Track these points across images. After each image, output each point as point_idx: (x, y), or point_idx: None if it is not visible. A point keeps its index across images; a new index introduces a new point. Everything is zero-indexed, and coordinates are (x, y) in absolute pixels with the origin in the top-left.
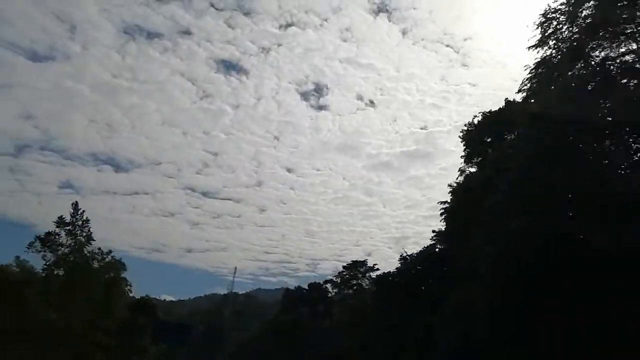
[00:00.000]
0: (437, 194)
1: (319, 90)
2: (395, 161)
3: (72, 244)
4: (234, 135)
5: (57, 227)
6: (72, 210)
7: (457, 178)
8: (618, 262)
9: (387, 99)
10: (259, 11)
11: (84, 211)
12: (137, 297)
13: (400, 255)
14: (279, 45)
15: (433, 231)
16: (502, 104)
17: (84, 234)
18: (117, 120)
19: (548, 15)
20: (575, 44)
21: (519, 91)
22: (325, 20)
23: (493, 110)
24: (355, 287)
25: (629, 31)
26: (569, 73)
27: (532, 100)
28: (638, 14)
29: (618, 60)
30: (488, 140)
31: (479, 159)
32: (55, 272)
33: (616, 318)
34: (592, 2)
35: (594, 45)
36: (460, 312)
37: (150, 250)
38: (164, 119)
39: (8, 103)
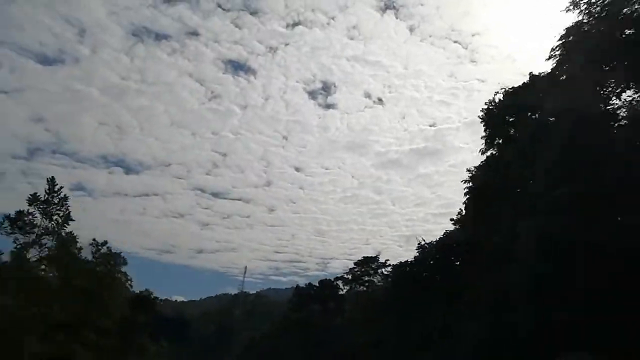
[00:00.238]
0: (446, 191)
1: (326, 88)
2: (404, 159)
3: (49, 225)
4: (242, 136)
5: (30, 205)
6: (47, 187)
7: (465, 175)
8: None
9: (395, 97)
10: (265, 11)
11: (61, 187)
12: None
13: (418, 243)
14: (286, 44)
15: (451, 219)
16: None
17: (61, 214)
18: (126, 122)
19: None
20: (607, 8)
21: (549, 58)
22: (332, 18)
23: (516, 86)
24: (367, 284)
25: None
26: (601, 37)
27: (566, 67)
28: None
29: None
30: (511, 119)
31: (500, 140)
32: (29, 258)
33: None
34: None
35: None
36: (490, 301)
37: (160, 251)
38: (172, 120)
39: (19, 106)
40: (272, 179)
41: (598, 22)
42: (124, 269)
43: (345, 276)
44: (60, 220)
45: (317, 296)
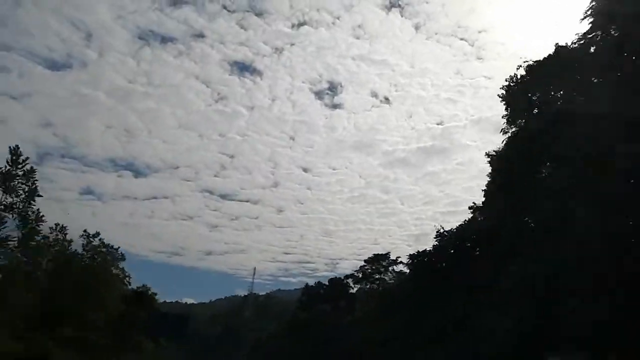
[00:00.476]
0: (454, 189)
1: (333, 88)
2: (412, 157)
3: (11, 202)
4: (249, 137)
5: None
6: (10, 156)
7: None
8: None
9: (401, 95)
10: (270, 11)
11: (27, 158)
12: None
13: (437, 231)
14: (292, 44)
15: (470, 207)
16: None
17: (26, 188)
18: (133, 125)
19: None
20: None
21: (584, 18)
22: (337, 18)
23: (539, 59)
24: (378, 282)
25: None
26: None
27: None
28: None
29: None
30: (534, 97)
31: (522, 121)
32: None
33: None
34: None
35: None
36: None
37: (170, 254)
38: (179, 122)
39: (28, 111)
40: (279, 180)
41: None
42: (121, 264)
43: (356, 274)
44: (24, 196)
45: (327, 295)
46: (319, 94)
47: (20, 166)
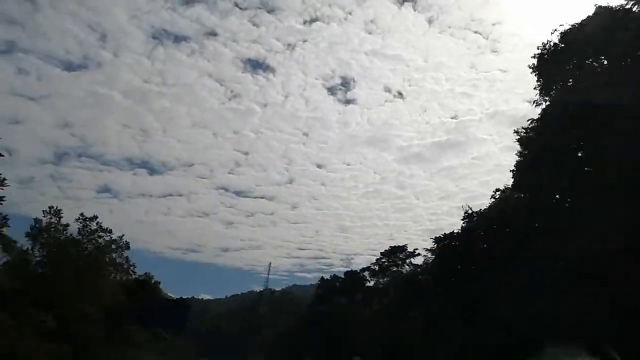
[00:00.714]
0: (470, 183)
1: (345, 84)
2: (427, 152)
3: None
4: (263, 134)
5: None
6: None
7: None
8: None
9: (415, 90)
10: (282, 8)
11: None
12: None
13: (465, 212)
14: (304, 41)
15: (497, 189)
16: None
17: None
18: (149, 125)
19: None
20: None
21: None
22: (350, 13)
23: (575, 24)
24: (395, 275)
25: None
26: None
27: None
28: None
29: None
30: (569, 67)
31: (557, 87)
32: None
33: None
34: None
35: None
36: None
37: (186, 250)
38: (194, 120)
39: (46, 112)
40: (294, 176)
41: None
42: (126, 253)
43: (373, 267)
44: None
45: (343, 288)
46: (332, 90)
47: None
